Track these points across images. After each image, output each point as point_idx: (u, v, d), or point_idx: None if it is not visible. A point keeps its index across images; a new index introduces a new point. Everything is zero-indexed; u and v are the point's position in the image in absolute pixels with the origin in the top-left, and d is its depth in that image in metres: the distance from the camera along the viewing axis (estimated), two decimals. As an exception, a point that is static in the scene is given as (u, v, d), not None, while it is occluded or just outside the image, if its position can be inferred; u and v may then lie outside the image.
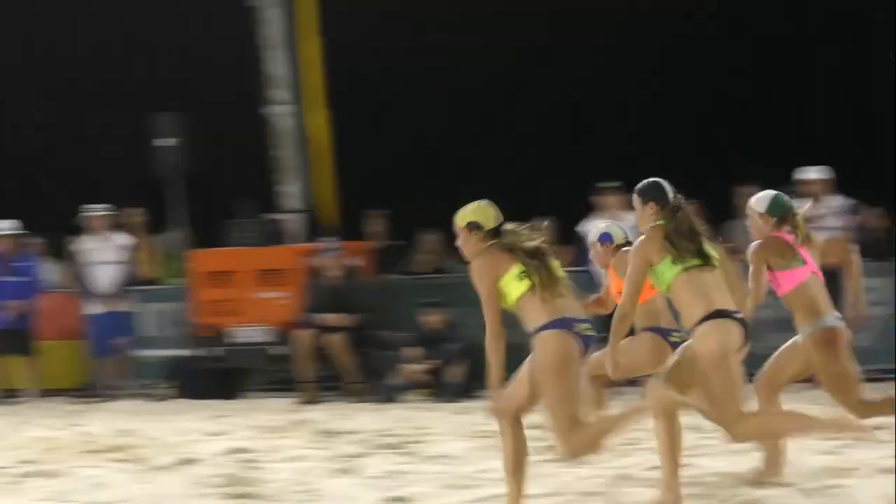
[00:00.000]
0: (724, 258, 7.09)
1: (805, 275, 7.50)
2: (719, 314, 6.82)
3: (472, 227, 6.91)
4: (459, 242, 6.97)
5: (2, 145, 18.84)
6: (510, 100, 18.07)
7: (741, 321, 6.87)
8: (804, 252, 7.55)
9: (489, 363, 6.68)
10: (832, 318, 7.47)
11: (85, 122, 18.51)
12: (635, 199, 7.18)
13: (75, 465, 9.55)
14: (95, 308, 15.24)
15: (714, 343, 6.77)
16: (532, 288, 6.76)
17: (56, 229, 15.99)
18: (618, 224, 8.67)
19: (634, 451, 8.49)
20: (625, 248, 7.93)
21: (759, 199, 7.67)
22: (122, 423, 12.09)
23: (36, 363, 15.13)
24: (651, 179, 7.20)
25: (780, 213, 7.58)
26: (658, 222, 6.99)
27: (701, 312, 6.83)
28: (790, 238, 7.52)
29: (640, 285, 7.00)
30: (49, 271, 16.04)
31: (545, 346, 6.69)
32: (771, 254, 7.46)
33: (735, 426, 6.81)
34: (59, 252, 16.10)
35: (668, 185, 7.11)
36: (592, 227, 8.76)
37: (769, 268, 7.45)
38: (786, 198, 7.70)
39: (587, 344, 6.77)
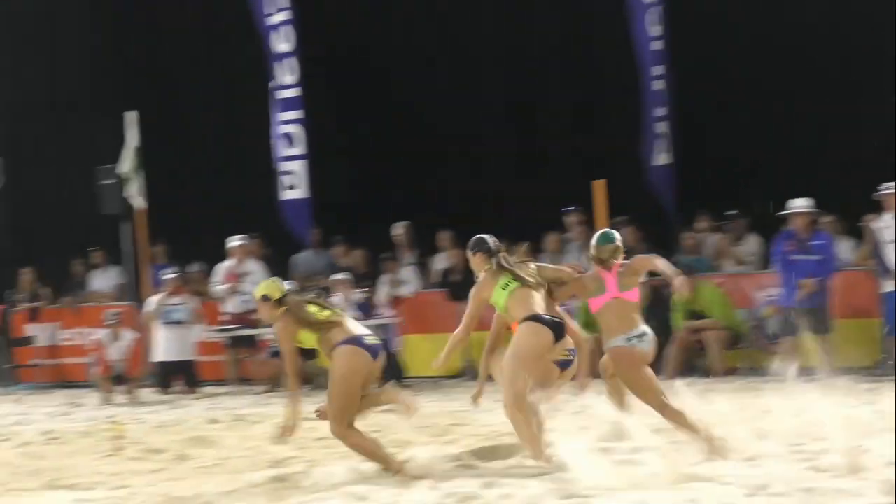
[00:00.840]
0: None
1: (603, 302, 9.52)
2: (535, 318, 9.24)
3: (264, 299, 9.17)
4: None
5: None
6: None
7: (554, 324, 9.27)
8: (610, 281, 9.55)
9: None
10: (622, 339, 9.41)
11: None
12: (467, 252, 9.78)
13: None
14: (891, 286, 15.17)
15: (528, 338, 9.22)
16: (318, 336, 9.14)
17: (851, 207, 16.08)
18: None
19: None
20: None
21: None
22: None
23: (831, 341, 15.29)
24: (477, 236, 9.78)
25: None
26: (487, 267, 9.50)
27: (521, 315, 9.28)
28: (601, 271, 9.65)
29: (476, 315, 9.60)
30: (844, 249, 16.16)
31: (339, 359, 9.08)
32: (575, 290, 9.76)
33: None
34: (854, 230, 16.18)
35: (490, 238, 9.71)
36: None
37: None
38: (597, 238, 9.86)
39: (376, 351, 9.30)
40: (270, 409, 15.62)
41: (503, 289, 9.43)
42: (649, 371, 9.48)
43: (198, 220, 21.63)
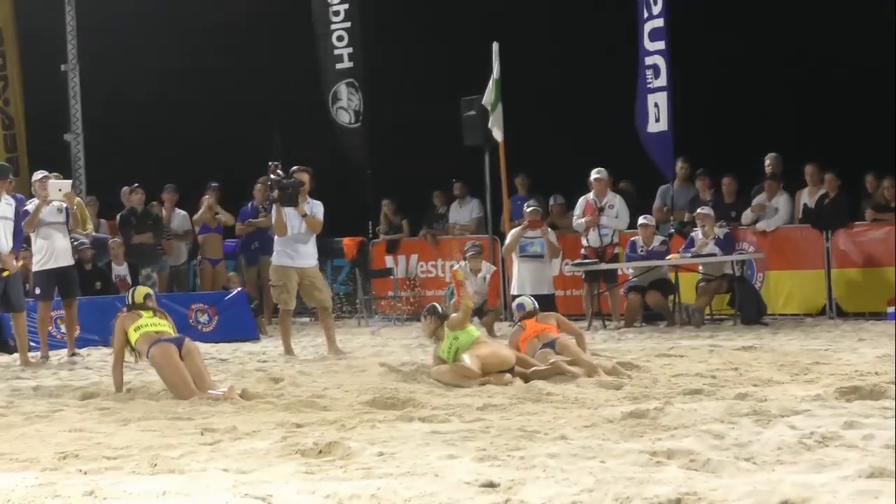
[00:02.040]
0: None
1: None
2: None
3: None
4: None
5: None
6: None
7: None
8: None
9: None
10: None
11: None
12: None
13: None
14: None
15: None
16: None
17: None
18: None
19: None
20: None
21: None
22: None
23: None
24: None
25: None
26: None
27: None
28: None
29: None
30: None
31: (157, 357, 11.38)
32: None
33: None
34: None
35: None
36: None
37: None
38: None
39: (178, 342, 11.49)
40: (624, 344, 15.74)
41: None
42: None
43: (558, 152, 21.81)
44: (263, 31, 24.80)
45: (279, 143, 22.43)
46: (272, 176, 15.91)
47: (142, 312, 11.83)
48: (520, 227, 19.07)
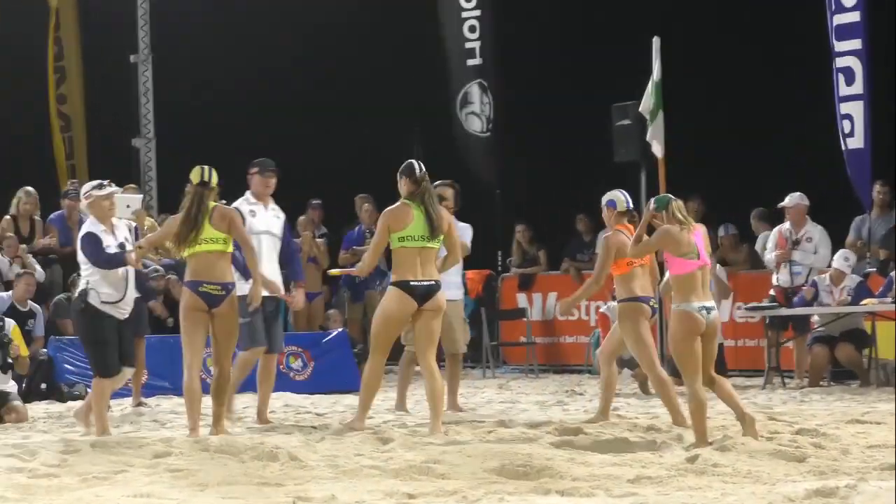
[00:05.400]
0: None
1: (694, 266, 11.49)
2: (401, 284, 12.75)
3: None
4: None
5: None
6: None
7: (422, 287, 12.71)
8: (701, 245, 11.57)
9: None
10: (696, 305, 11.39)
11: None
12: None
13: None
14: None
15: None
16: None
17: None
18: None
19: None
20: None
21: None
22: None
23: None
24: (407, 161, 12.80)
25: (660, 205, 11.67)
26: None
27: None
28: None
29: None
30: None
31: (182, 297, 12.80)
32: (669, 241, 11.50)
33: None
34: None
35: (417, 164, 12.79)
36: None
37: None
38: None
39: (211, 301, 12.47)
40: (808, 406, 15.62)
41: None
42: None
43: (735, 171, 21.70)
44: (369, 20, 24.93)
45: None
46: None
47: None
48: (681, 262, 18.89)
